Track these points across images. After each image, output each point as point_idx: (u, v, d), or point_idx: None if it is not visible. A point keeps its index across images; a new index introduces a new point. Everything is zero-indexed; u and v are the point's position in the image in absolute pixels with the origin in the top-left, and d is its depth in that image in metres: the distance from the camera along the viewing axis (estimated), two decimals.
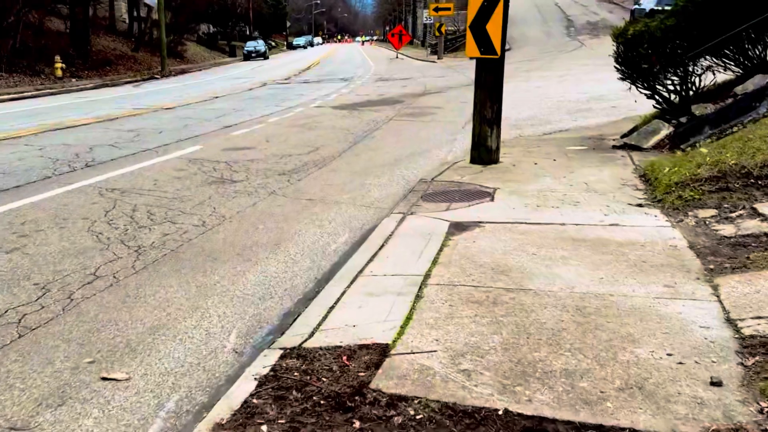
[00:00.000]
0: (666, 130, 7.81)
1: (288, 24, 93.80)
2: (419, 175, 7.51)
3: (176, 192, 6.64)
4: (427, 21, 40.00)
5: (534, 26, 42.44)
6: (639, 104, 13.66)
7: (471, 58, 7.47)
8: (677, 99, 8.10)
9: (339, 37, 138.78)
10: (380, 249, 4.72)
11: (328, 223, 5.64)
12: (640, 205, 5.43)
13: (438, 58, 35.47)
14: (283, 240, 5.12)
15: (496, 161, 7.66)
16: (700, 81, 8.04)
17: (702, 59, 7.92)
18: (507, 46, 36.59)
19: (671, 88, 8.07)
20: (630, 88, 8.56)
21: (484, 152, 7.64)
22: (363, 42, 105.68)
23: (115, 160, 8.47)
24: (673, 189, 5.54)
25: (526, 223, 5.13)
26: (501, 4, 7.04)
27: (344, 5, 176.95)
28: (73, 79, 24.20)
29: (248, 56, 52.16)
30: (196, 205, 6.11)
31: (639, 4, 38.84)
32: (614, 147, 8.26)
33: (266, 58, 53.20)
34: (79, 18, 27.41)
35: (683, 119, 7.69)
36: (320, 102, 15.89)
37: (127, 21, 40.77)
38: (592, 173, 6.78)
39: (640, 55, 7.77)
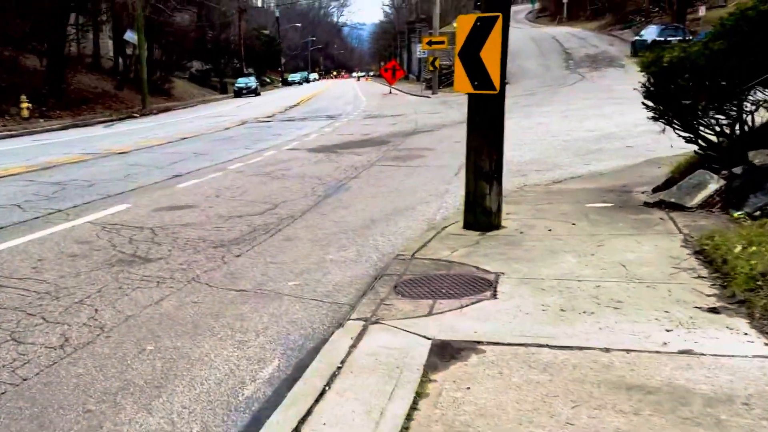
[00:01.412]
0: (715, 185, 6.06)
1: (283, 60, 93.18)
2: (397, 246, 5.75)
3: (57, 281, 4.85)
4: (421, 55, 38.77)
5: (532, 59, 41.21)
6: (657, 143, 12.01)
7: (466, 93, 5.79)
8: (725, 142, 6.37)
9: (335, 72, 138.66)
10: (316, 403, 2.92)
11: (255, 338, 3.84)
12: (714, 310, 3.64)
13: (432, 93, 34.07)
14: (174, 376, 3.32)
15: (497, 226, 5.90)
16: (752, 119, 6.33)
17: (755, 92, 6.22)
18: (506, 80, 35.20)
19: (717, 128, 6.34)
20: (664, 130, 6.84)
21: (481, 215, 5.88)
22: (359, 78, 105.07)
23: (3, 229, 6.69)
24: (761, 284, 3.76)
25: (548, 346, 3.34)
26: (499, 25, 5.35)
27: (341, 41, 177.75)
28: (42, 120, 22.64)
29: (239, 93, 50.89)
30: (72, 306, 4.31)
31: (640, 36, 37.62)
32: (647, 204, 6.51)
33: (258, 94, 51.93)
34: (57, 55, 25.99)
35: (737, 170, 5.95)
36: (297, 143, 14.21)
37: (112, 58, 39.49)
38: (628, 247, 5.01)
39: (679, 88, 6.06)
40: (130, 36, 28.28)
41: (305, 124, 20.29)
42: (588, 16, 63.89)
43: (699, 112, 6.06)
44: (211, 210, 7.29)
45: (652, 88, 6.59)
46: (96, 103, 27.82)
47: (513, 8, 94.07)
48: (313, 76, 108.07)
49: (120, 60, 38.50)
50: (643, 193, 7.23)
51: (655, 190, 6.88)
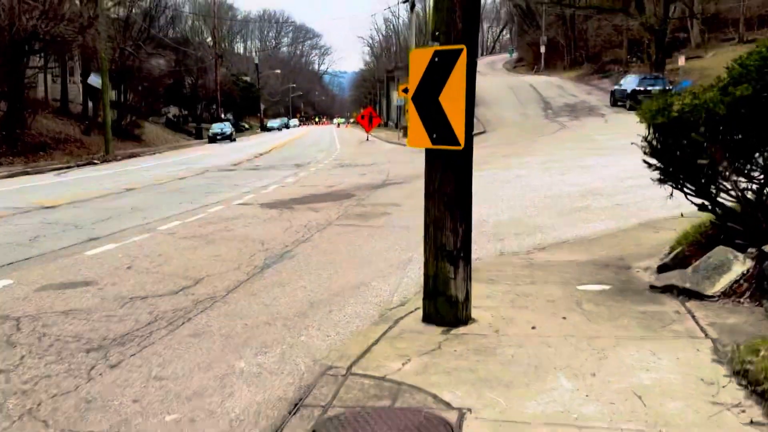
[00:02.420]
0: (741, 266, 4.77)
1: (263, 106, 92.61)
2: (335, 346, 4.36)
3: None
4: (398, 103, 37.95)
5: (510, 108, 40.61)
6: (649, 200, 10.83)
7: (432, 148, 4.49)
8: (750, 210, 5.11)
9: (317, 119, 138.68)
10: None
11: None
12: None
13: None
14: None
15: (465, 320, 4.54)
16: None
17: None
18: (481, 128, 34.47)
19: (740, 193, 5.09)
20: (671, 194, 5.59)
21: (444, 306, 4.53)
22: (339, 124, 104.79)
23: None
24: None
25: None
26: (463, 61, 4.09)
27: (322, 88, 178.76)
28: None
29: (213, 139, 49.67)
30: None
31: (620, 85, 37.22)
32: (653, 289, 5.19)
33: (233, 140, 50.74)
34: (15, 99, 24.61)
35: None
36: (251, 197, 12.83)
37: (82, 103, 38.19)
38: (641, 361, 3.66)
39: (693, 144, 4.82)
40: (94, 80, 27.10)
41: (268, 173, 18.94)
42: (565, 66, 64.10)
43: (720, 174, 4.80)
44: (112, 288, 5.83)
45: (657, 144, 5.35)
46: (57, 149, 26.37)
47: (490, 58, 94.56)
48: (294, 122, 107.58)
49: (90, 104, 37.21)
50: (646, 270, 5.93)
51: (662, 269, 5.57)
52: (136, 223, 9.55)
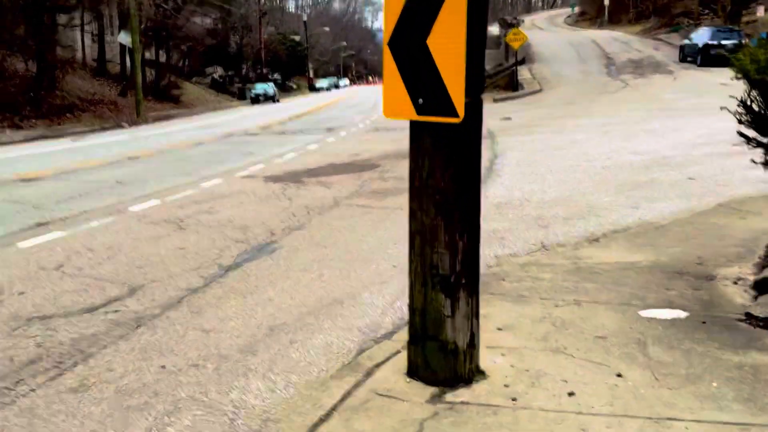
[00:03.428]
0: None
1: (312, 66, 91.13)
2: (271, 413, 2.94)
3: None
4: None
5: (569, 65, 37.94)
6: (728, 173, 8.98)
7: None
8: None
9: (369, 78, 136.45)
10: None
11: None
12: None
13: None
14: None
15: (468, 377, 3.05)
16: None
17: None
18: (537, 87, 32.12)
19: None
20: None
21: (436, 356, 3.04)
22: None
23: None
24: None
25: None
26: None
27: (374, 46, 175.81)
28: (8, 130, 20.36)
29: (256, 100, 48.40)
30: None
31: (690, 40, 34.09)
32: (751, 320, 3.57)
33: (276, 101, 49.40)
34: (44, 58, 23.79)
35: None
36: (261, 167, 11.41)
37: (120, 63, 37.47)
38: None
39: None
40: (123, 38, 26.04)
41: (294, 138, 17.49)
42: (631, 20, 60.04)
43: None
44: (16, 301, 4.50)
45: (763, 110, 3.64)
46: (87, 111, 25.58)
47: (550, 12, 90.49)
48: (344, 82, 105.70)
49: (128, 65, 36.44)
50: (736, 283, 4.28)
51: (761, 286, 3.91)
52: (108, 202, 8.25)
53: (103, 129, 22.60)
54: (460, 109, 2.64)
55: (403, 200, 7.95)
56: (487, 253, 5.61)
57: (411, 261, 3.05)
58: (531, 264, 5.05)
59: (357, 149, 13.77)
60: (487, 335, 3.41)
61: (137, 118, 26.05)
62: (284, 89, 65.84)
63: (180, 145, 16.44)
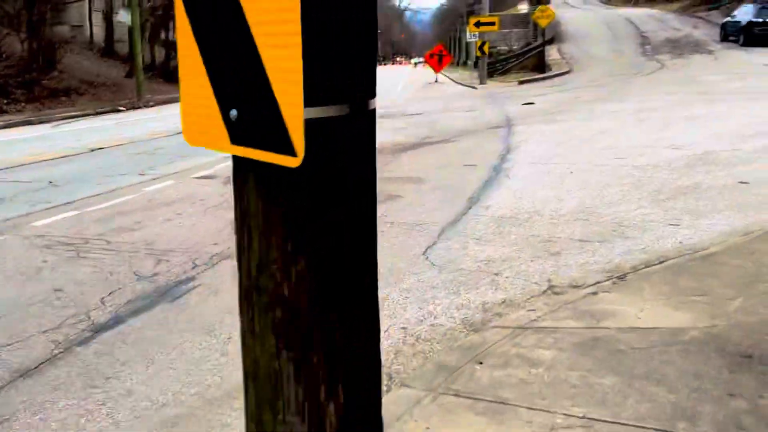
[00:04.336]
0: None
1: None
2: None
3: None
4: (470, 39, 33.90)
5: (602, 44, 35.75)
6: None
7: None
8: None
9: (401, 59, 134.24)
10: None
11: None
12: None
13: (480, 84, 29.31)
14: None
15: None
16: None
17: None
18: (565, 68, 30.15)
19: None
20: None
21: None
22: (416, 64, 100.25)
23: None
24: None
25: None
26: None
27: (402, 27, 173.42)
28: None
29: None
30: None
31: (732, 17, 31.70)
32: None
33: None
34: (35, 38, 22.57)
35: None
36: (228, 164, 10.00)
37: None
38: None
39: None
40: (124, 16, 24.74)
41: None
42: None
43: None
44: None
45: None
46: (86, 94, 24.34)
47: None
48: None
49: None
50: None
51: None
52: (14, 213, 6.79)
53: (97, 113, 21.35)
54: (299, 148, 1.14)
55: (383, 211, 6.46)
56: (469, 301, 4.12)
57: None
58: (526, 329, 3.53)
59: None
60: None
61: (137, 101, 24.75)
62: None
63: (157, 135, 15.08)
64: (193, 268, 4.80)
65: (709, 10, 43.15)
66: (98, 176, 9.00)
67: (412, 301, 4.19)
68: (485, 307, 4.04)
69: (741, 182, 7.05)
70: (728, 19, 32.35)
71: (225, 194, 7.45)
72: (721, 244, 4.99)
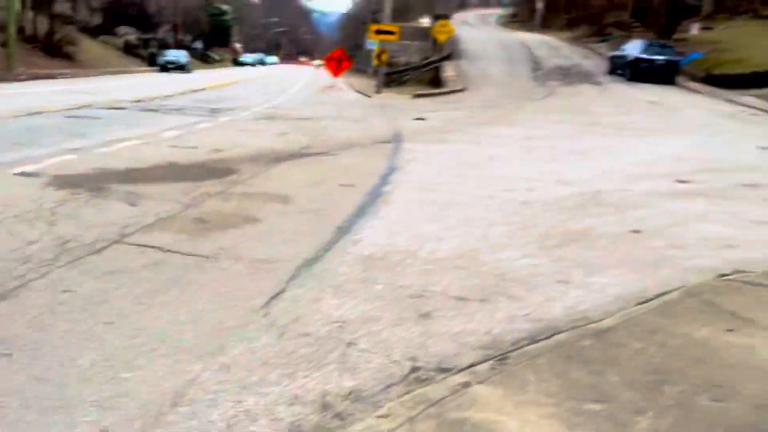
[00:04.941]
0: None
1: (237, 39, 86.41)
2: None
3: None
4: (370, 46, 33.14)
5: (496, 65, 36.11)
6: (681, 224, 6.79)
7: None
8: None
9: (305, 59, 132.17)
10: None
11: None
12: None
13: (377, 92, 28.54)
14: None
15: None
16: None
17: None
18: (460, 85, 29.87)
19: None
20: None
21: None
22: (319, 66, 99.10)
23: None
24: None
25: None
26: None
27: (308, 27, 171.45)
28: None
29: (164, 67, 44.41)
30: None
31: (621, 50, 32.84)
32: None
33: (187, 71, 45.44)
34: None
35: None
36: (71, 158, 8.38)
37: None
38: None
39: None
40: None
41: (161, 119, 14.29)
42: (562, 26, 59.17)
43: None
44: None
45: None
46: None
47: (482, 11, 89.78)
48: (272, 59, 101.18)
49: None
50: None
51: None
52: None
53: None
54: None
55: (234, 240, 5.25)
56: (306, 391, 3.07)
57: None
58: None
59: (226, 143, 10.90)
60: None
61: (6, 74, 22.16)
62: (204, 60, 61.49)
63: (6, 114, 13.07)
64: None
65: (599, 42, 44.94)
66: None
67: (229, 388, 3.08)
68: (325, 402, 2.99)
69: (633, 231, 6.48)
70: (617, 52, 33.54)
71: (37, 200, 5.97)
72: (617, 314, 4.23)
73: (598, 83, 30.37)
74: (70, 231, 5.13)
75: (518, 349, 3.72)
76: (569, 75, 33.11)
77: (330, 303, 4.20)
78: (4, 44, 28.24)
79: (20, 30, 30.26)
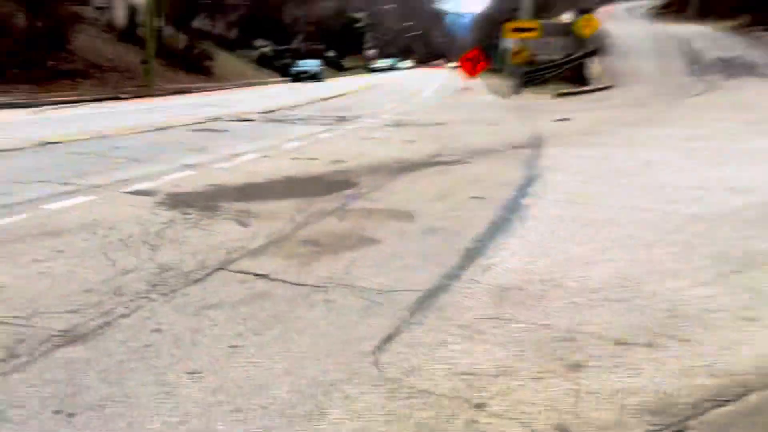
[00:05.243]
0: None
1: (372, 45, 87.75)
2: None
3: None
4: (507, 45, 31.89)
5: (648, 60, 33.55)
6: None
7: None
8: None
9: (437, 61, 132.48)
10: None
11: None
12: None
13: (514, 93, 27.32)
14: None
15: None
16: None
17: None
18: (608, 83, 27.92)
19: None
20: None
21: None
22: (452, 68, 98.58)
23: None
24: None
25: None
26: None
27: (442, 30, 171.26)
28: None
29: (297, 77, 45.37)
30: None
31: None
32: None
33: (319, 80, 46.20)
34: (38, 16, 21.29)
35: None
36: (189, 174, 8.21)
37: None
38: None
39: None
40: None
41: (285, 130, 14.11)
42: (721, 14, 54.17)
43: None
44: None
45: None
46: (92, 78, 23.06)
47: (630, 3, 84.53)
48: (406, 63, 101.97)
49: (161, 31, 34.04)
50: None
51: None
52: None
53: (95, 99, 19.95)
54: None
55: (351, 265, 4.69)
56: None
57: None
58: None
59: (348, 153, 10.47)
60: None
61: (144, 89, 23.49)
62: (338, 68, 62.76)
63: (134, 130, 13.48)
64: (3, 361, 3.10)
65: (766, 30, 40.50)
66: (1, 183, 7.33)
67: None
68: None
69: None
70: None
71: (144, 222, 5.69)
72: None
73: (765, 76, 27.23)
74: (172, 257, 4.76)
75: (699, 415, 2.80)
76: (731, 68, 30.03)
77: (455, 349, 3.46)
78: (144, 61, 30.06)
79: (160, 46, 32.09)
